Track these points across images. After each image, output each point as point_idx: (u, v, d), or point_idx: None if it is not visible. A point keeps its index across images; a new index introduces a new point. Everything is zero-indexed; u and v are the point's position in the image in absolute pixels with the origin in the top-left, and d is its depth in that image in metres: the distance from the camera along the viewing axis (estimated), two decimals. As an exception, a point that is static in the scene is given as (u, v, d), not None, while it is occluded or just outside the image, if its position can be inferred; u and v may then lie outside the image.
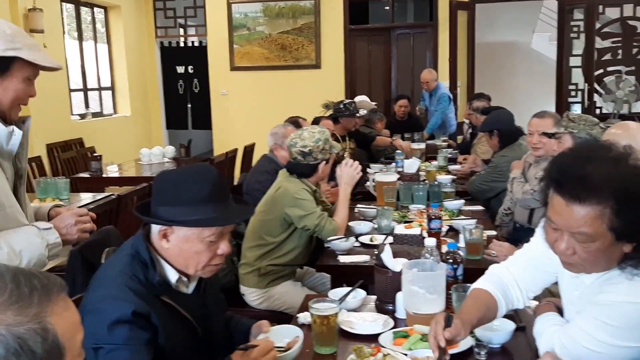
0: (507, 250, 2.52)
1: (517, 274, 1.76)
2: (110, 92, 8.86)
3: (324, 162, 3.04)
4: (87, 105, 8.26)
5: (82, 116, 8.02)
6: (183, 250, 1.59)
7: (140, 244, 1.62)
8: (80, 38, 8.15)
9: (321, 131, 3.09)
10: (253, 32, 8.78)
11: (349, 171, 3.20)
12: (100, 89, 8.64)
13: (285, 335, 1.79)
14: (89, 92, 8.33)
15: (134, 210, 1.67)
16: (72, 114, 7.75)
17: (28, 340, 0.83)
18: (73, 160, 6.61)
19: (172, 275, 1.62)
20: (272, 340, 1.67)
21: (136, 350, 1.49)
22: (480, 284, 1.78)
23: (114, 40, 8.79)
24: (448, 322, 1.56)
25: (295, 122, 4.27)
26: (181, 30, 9.92)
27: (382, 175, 3.94)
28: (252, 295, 2.99)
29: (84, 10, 8.38)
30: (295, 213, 2.92)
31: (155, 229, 1.61)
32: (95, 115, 8.33)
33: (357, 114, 5.24)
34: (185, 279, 1.65)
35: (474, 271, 2.49)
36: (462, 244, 2.70)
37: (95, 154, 7.02)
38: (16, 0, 6.29)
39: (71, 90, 7.70)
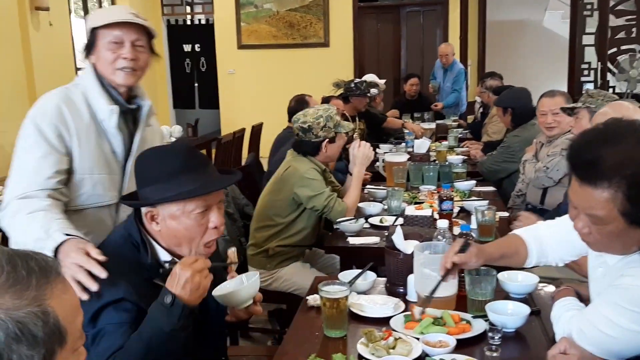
0: (534, 222, 2.47)
1: (556, 233, 1.79)
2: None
3: (327, 140, 2.98)
4: (94, 84, 8.21)
5: (89, 95, 7.98)
6: (172, 229, 1.55)
7: (132, 226, 1.59)
8: (86, 16, 8.08)
9: (326, 109, 3.05)
10: (260, 9, 8.68)
11: (364, 151, 3.16)
12: (107, 67, 8.59)
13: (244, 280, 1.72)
14: (96, 71, 8.29)
15: (120, 199, 1.63)
16: (79, 93, 7.71)
17: (28, 324, 0.81)
18: (80, 140, 6.58)
19: (164, 257, 1.59)
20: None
21: (120, 333, 1.46)
22: (517, 230, 1.86)
23: (120, 18, 8.71)
24: (462, 249, 1.69)
25: (302, 100, 4.20)
26: (188, 8, 9.82)
27: (391, 155, 3.89)
28: (261, 277, 2.95)
29: (90, -12, 8.30)
30: (304, 193, 2.88)
31: (143, 211, 1.58)
32: (102, 94, 8.29)
33: (368, 94, 5.16)
34: (177, 260, 1.61)
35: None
36: (474, 225, 2.66)
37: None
38: (21, -23, 6.22)
39: (77, 69, 7.65)
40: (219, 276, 1.69)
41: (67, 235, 1.59)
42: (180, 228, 1.54)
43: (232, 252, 1.77)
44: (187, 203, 1.52)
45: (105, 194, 1.89)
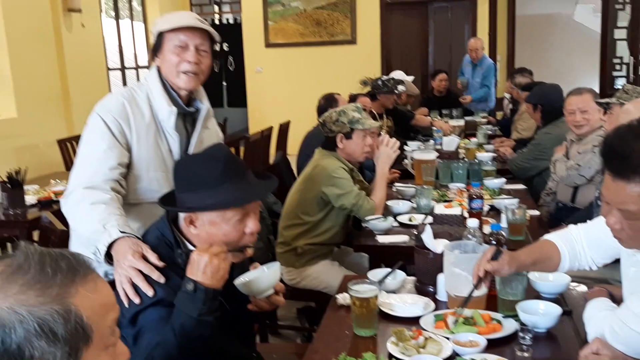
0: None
1: (588, 236, 1.78)
2: (147, 70, 8.93)
3: (341, 135, 2.98)
4: (124, 84, 8.35)
5: (120, 95, 8.11)
6: (211, 234, 1.57)
7: (165, 226, 1.62)
8: (117, 17, 8.21)
9: (347, 106, 3.08)
10: (288, 7, 8.71)
11: (385, 150, 3.14)
12: (137, 67, 8.72)
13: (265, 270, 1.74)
14: (127, 71, 8.41)
15: (159, 202, 1.66)
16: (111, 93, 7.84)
17: (49, 322, 0.83)
18: (112, 139, 6.70)
19: None
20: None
21: (158, 329, 1.50)
22: (549, 235, 1.85)
23: (150, 18, 8.83)
24: (495, 256, 1.69)
25: (331, 98, 4.21)
26: (216, 8, 9.90)
27: (420, 152, 3.86)
28: (288, 275, 2.98)
29: (120, -11, 8.44)
30: (332, 192, 2.89)
31: (182, 215, 1.61)
32: (132, 93, 8.42)
33: (396, 91, 5.14)
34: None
35: (517, 252, 2.44)
36: (504, 224, 2.64)
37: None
38: (54, -20, 6.36)
39: (109, 69, 7.78)
40: (243, 268, 1.72)
41: (123, 232, 1.64)
42: (218, 233, 1.57)
43: None
44: (227, 211, 1.55)
45: (160, 191, 1.94)
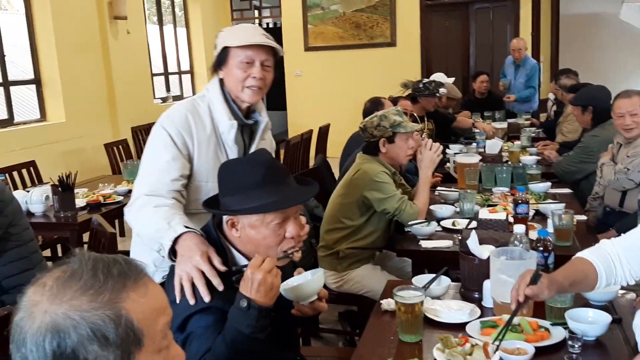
0: None
1: (624, 250, 1.73)
2: (189, 75, 9.09)
3: (384, 139, 2.98)
4: (168, 89, 8.51)
5: (164, 99, 8.28)
6: (251, 238, 1.60)
7: (212, 232, 1.65)
8: (160, 23, 8.38)
9: (390, 111, 3.06)
10: (327, 11, 8.73)
11: (428, 154, 3.12)
12: (180, 72, 8.88)
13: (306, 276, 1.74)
14: (170, 76, 8.58)
15: (202, 204, 1.69)
16: (155, 98, 8.01)
17: (101, 327, 0.85)
18: (156, 143, 6.83)
19: (242, 262, 1.64)
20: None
21: (204, 334, 1.53)
22: (583, 253, 1.78)
23: (192, 24, 8.98)
24: (534, 280, 1.63)
25: (377, 101, 4.21)
26: (256, 12, 10.00)
27: (463, 156, 3.83)
28: (330, 278, 2.99)
29: (164, -4, 8.61)
30: (374, 196, 2.89)
31: (225, 219, 1.64)
32: (175, 98, 8.57)
33: (437, 94, 5.10)
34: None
35: (564, 258, 2.38)
36: (550, 229, 2.59)
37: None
38: (101, -12, 6.54)
39: (153, 75, 7.95)
40: (286, 273, 1.73)
41: (187, 227, 1.68)
42: (258, 237, 1.59)
43: None
44: (267, 215, 1.57)
45: None
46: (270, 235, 1.58)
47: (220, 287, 1.53)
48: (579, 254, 1.79)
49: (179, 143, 1.95)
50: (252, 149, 2.09)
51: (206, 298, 1.53)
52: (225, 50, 1.99)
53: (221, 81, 2.04)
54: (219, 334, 1.52)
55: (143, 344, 0.89)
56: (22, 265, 2.82)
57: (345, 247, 2.95)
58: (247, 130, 2.11)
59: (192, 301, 1.54)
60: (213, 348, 1.50)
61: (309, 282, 1.68)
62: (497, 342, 1.62)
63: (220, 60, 2.01)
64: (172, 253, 1.70)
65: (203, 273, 1.56)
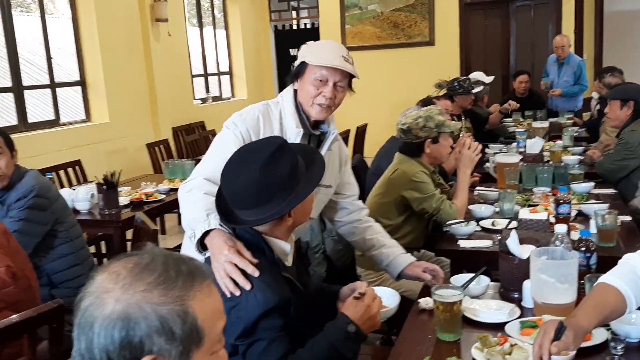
0: None
1: None
2: (228, 76, 9.21)
3: (429, 140, 2.97)
4: (207, 90, 8.64)
5: (203, 100, 8.41)
6: (305, 209, 1.69)
7: (245, 232, 1.66)
8: (200, 25, 8.51)
9: (428, 109, 3.04)
10: (365, 11, 8.72)
11: (467, 153, 3.11)
12: (219, 73, 9.00)
13: (381, 295, 1.77)
14: (209, 77, 8.71)
15: (223, 221, 1.69)
16: (195, 99, 8.15)
17: (169, 321, 0.88)
18: (196, 143, 6.95)
19: (286, 246, 1.69)
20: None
21: (277, 339, 1.55)
22: (607, 278, 1.63)
23: (231, 25, 9.10)
24: (558, 334, 1.47)
25: (429, 102, 4.22)
26: (294, 13, 10.06)
27: (503, 156, 3.78)
28: (368, 277, 3.00)
29: (204, -2, 8.75)
30: (413, 196, 2.89)
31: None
32: (215, 99, 8.70)
33: (472, 91, 5.06)
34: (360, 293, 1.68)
35: (607, 260, 2.34)
36: (593, 230, 2.54)
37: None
38: (143, -8, 6.68)
39: (193, 76, 8.08)
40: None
41: (221, 226, 1.71)
42: (309, 206, 1.71)
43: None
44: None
45: None
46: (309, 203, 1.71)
47: (255, 273, 1.56)
48: (603, 279, 1.64)
49: (246, 141, 2.01)
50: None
51: (247, 286, 1.55)
52: (303, 65, 2.05)
53: (295, 91, 2.10)
54: (286, 325, 1.57)
55: (202, 343, 0.92)
56: (71, 261, 2.92)
57: None
58: (314, 140, 2.17)
59: (237, 292, 1.56)
60: (299, 353, 1.56)
61: (385, 312, 1.72)
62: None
63: (297, 73, 2.08)
64: (201, 245, 1.74)
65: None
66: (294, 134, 2.07)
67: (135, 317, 0.88)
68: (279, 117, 2.10)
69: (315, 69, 2.02)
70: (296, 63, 2.10)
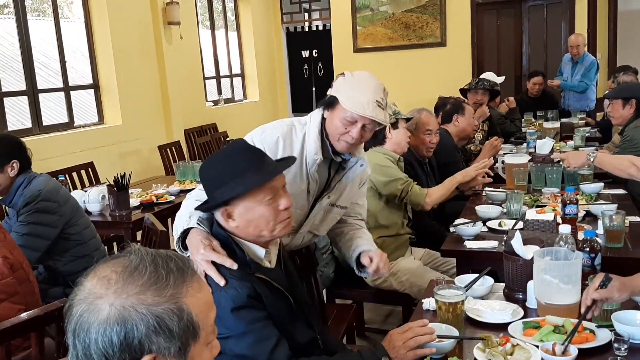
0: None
1: None
2: (240, 78, 9.25)
3: (389, 126, 3.07)
4: (219, 92, 8.69)
5: (215, 102, 8.45)
6: (251, 221, 1.65)
7: (219, 233, 1.70)
8: (212, 27, 8.56)
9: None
10: (376, 12, 8.71)
11: (469, 168, 3.33)
12: (231, 75, 9.05)
13: (443, 330, 1.78)
14: (221, 79, 8.76)
15: (194, 208, 1.75)
16: (207, 101, 8.19)
17: (165, 319, 0.90)
18: (208, 145, 7.00)
19: (260, 251, 1.70)
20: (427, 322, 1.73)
21: (259, 329, 1.58)
22: None
23: (243, 27, 9.14)
24: (603, 284, 1.63)
25: (458, 104, 4.46)
26: (306, 15, 10.08)
27: (512, 156, 3.76)
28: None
29: (215, 0, 8.79)
30: (378, 180, 3.03)
31: (218, 214, 1.69)
32: (227, 101, 8.74)
33: (481, 88, 5.11)
34: (269, 250, 1.73)
35: (615, 260, 2.34)
36: (600, 230, 2.53)
37: (228, 138, 7.40)
38: (155, -5, 6.74)
39: (205, 78, 8.13)
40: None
41: (198, 224, 1.75)
42: (256, 217, 1.66)
43: None
44: (258, 194, 1.64)
45: None
46: (267, 211, 1.65)
47: (234, 267, 1.61)
48: None
49: None
50: (337, 184, 2.17)
51: (222, 282, 1.59)
52: (336, 99, 2.03)
53: (323, 118, 2.10)
54: (266, 319, 1.60)
55: (199, 336, 0.95)
56: (85, 263, 2.97)
57: (375, 237, 2.96)
58: (335, 164, 2.18)
59: (222, 282, 1.60)
60: None
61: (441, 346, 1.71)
62: (565, 343, 1.61)
63: (329, 104, 2.07)
64: (182, 244, 1.79)
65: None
66: (311, 161, 2.08)
67: (132, 319, 0.89)
68: (301, 140, 2.10)
69: (345, 110, 2.00)
70: (330, 92, 2.08)
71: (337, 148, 2.08)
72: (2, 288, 2.19)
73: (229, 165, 1.66)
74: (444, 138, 3.96)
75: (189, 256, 1.73)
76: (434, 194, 3.14)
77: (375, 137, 3.03)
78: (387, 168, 3.05)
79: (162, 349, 0.90)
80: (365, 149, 3.08)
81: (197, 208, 1.73)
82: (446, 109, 4.33)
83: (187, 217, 1.80)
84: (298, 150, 2.08)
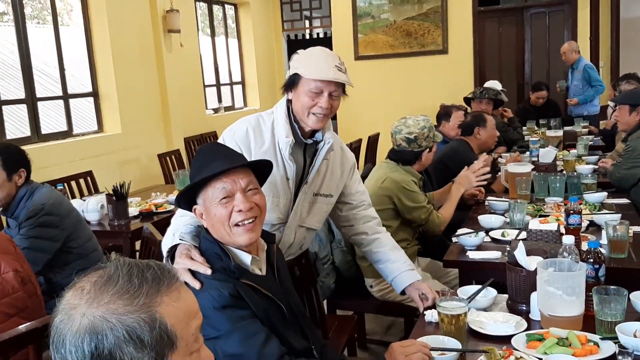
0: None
1: None
2: (240, 86, 9.24)
3: (427, 149, 3.10)
4: (219, 100, 8.67)
5: (216, 110, 8.44)
6: (213, 222, 1.65)
7: (206, 239, 1.70)
8: (212, 34, 8.56)
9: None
10: (377, 20, 8.71)
11: (467, 174, 3.31)
12: (231, 83, 9.04)
13: (445, 343, 1.76)
14: (222, 87, 8.75)
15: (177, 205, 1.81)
16: (207, 109, 8.18)
17: (136, 329, 0.88)
18: (208, 153, 6.96)
19: (245, 257, 1.68)
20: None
21: (246, 326, 1.56)
22: None
23: (243, 35, 9.14)
24: None
25: (479, 116, 4.43)
26: (306, 23, 10.09)
27: (514, 165, 3.73)
28: (378, 286, 2.98)
29: (216, 8, 8.80)
30: (404, 204, 3.00)
31: (196, 213, 1.71)
32: (227, 109, 8.73)
33: (485, 98, 5.09)
34: (257, 258, 1.71)
35: (619, 271, 2.31)
36: (604, 241, 2.49)
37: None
38: (155, 3, 6.72)
39: (205, 86, 8.12)
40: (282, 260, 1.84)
41: (181, 240, 1.76)
42: (215, 218, 1.65)
43: None
44: (212, 193, 1.63)
45: (270, 215, 2.06)
46: (224, 213, 1.63)
47: (207, 272, 1.61)
48: None
49: None
50: (314, 168, 2.15)
51: (197, 286, 1.60)
52: (296, 76, 2.05)
53: (289, 101, 2.11)
54: (252, 317, 1.59)
55: (176, 346, 0.93)
56: (86, 276, 2.93)
57: None
58: (310, 150, 2.16)
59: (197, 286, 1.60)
60: None
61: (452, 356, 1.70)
62: None
63: (290, 84, 2.08)
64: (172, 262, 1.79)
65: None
66: (284, 144, 2.07)
67: (101, 329, 0.88)
68: (271, 128, 2.11)
69: (309, 82, 2.02)
70: (288, 73, 2.10)
71: (309, 124, 2.06)
72: (13, 302, 2.15)
73: (196, 163, 1.69)
74: (462, 149, 3.95)
75: None
76: (447, 216, 3.16)
77: (407, 156, 3.10)
78: (415, 194, 3.02)
79: (134, 359, 0.88)
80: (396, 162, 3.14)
81: (177, 205, 1.78)
82: (467, 120, 4.30)
83: (172, 235, 1.81)
84: (269, 137, 2.09)
